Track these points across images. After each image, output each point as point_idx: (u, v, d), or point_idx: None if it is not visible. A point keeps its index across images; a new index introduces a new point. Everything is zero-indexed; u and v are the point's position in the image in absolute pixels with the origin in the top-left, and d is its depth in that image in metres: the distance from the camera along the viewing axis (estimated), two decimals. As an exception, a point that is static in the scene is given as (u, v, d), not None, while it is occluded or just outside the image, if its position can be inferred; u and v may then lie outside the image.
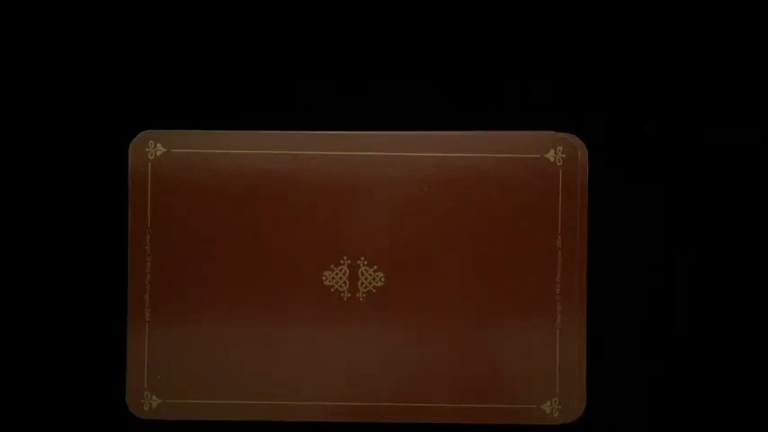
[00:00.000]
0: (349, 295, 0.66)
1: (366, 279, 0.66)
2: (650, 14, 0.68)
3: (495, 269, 0.66)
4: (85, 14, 0.68)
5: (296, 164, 0.66)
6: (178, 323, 0.66)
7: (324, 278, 0.66)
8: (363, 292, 0.66)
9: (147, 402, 0.67)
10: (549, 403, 0.66)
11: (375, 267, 0.66)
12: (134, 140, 0.67)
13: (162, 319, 0.66)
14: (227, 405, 0.66)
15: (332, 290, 0.66)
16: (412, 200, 0.66)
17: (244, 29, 0.68)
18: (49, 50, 0.68)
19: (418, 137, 0.66)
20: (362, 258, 0.66)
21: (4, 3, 0.68)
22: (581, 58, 0.68)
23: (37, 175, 0.68)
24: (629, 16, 0.68)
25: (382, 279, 0.66)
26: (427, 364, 0.66)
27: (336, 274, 0.66)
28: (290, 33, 0.68)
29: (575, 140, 0.66)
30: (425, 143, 0.66)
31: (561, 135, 0.66)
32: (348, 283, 0.66)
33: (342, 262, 0.66)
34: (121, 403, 0.67)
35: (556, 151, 0.66)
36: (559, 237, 0.66)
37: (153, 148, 0.66)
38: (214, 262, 0.66)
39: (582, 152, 0.66)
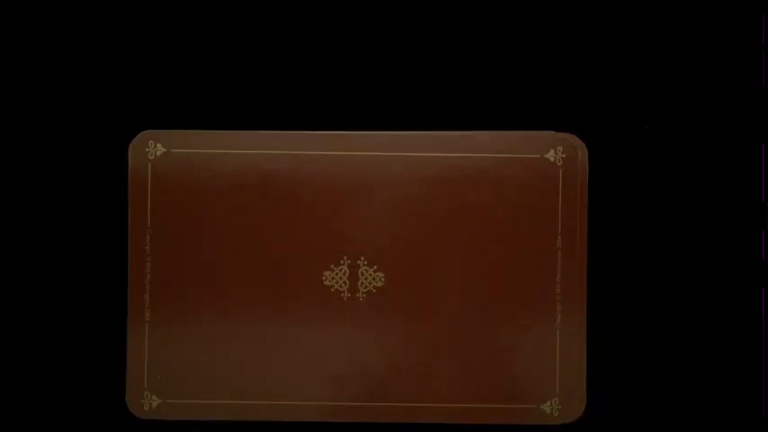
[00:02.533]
0: (349, 295, 0.66)
1: (366, 279, 0.66)
2: (650, 14, 0.68)
3: (495, 269, 0.66)
4: (85, 15, 0.68)
5: (296, 164, 0.66)
6: (178, 323, 0.66)
7: (324, 278, 0.66)
8: (363, 292, 0.66)
9: (147, 402, 0.67)
10: (549, 403, 0.66)
11: (375, 267, 0.66)
12: (134, 140, 0.67)
13: (162, 319, 0.66)
14: (227, 405, 0.66)
15: (332, 290, 0.66)
16: (412, 200, 0.66)
17: (243, 29, 0.68)
18: (48, 51, 0.68)
19: (418, 137, 0.66)
20: (362, 258, 0.66)
21: (4, 3, 0.68)
22: (581, 58, 0.68)
23: (37, 175, 0.68)
24: (629, 16, 0.68)
25: (382, 279, 0.66)
26: (427, 365, 0.66)
27: (336, 274, 0.66)
28: (290, 33, 0.68)
29: (575, 140, 0.66)
30: (425, 143, 0.66)
31: (561, 135, 0.66)
32: (348, 283, 0.66)
33: (342, 262, 0.66)
34: (121, 403, 0.67)
35: (556, 151, 0.66)
36: (559, 237, 0.66)
37: (153, 148, 0.66)
38: (214, 262, 0.66)
39: (582, 152, 0.66)
